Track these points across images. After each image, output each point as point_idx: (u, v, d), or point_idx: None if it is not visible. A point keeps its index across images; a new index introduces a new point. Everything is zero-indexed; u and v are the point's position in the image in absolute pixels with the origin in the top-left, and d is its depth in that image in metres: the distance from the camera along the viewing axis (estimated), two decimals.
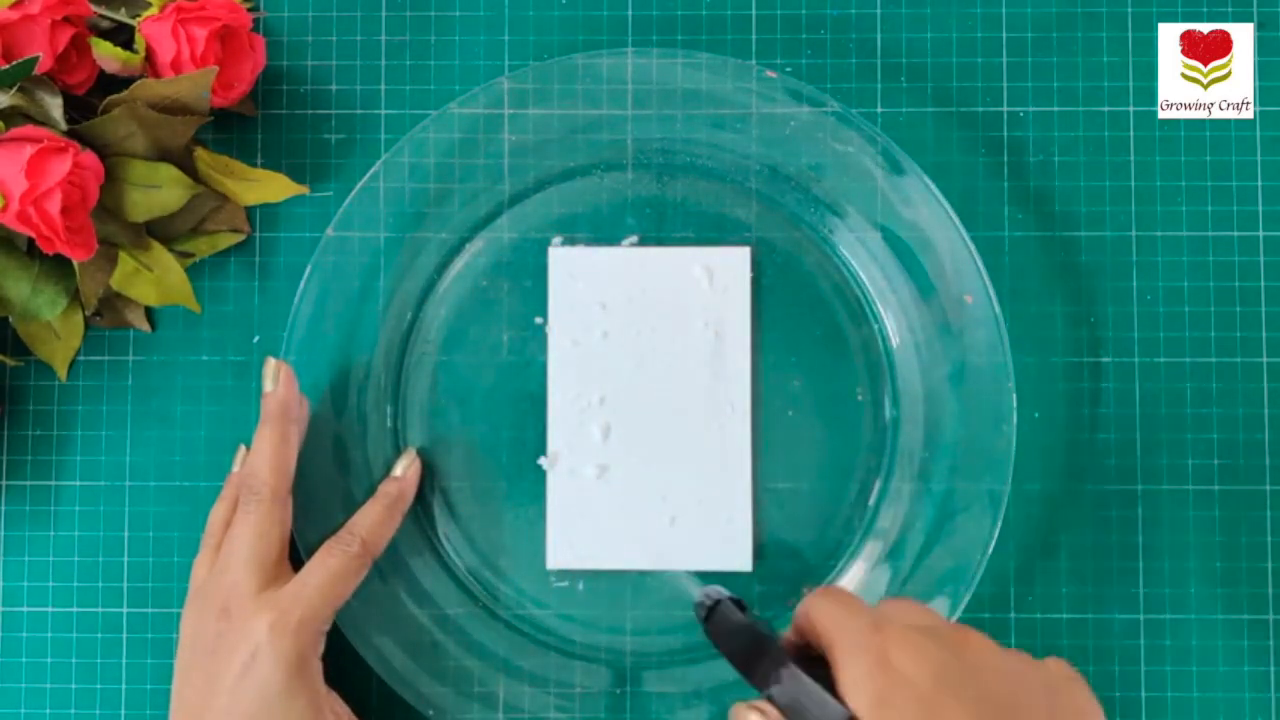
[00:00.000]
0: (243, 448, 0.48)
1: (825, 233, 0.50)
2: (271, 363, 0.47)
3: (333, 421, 0.48)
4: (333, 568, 0.44)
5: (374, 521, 0.46)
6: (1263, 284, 0.50)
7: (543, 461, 0.49)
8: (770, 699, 0.38)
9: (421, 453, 0.50)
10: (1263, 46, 0.51)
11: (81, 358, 0.51)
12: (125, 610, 0.50)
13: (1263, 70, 0.51)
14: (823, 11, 0.51)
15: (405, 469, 0.48)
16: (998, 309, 0.48)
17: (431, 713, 0.48)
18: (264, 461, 0.45)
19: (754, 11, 0.51)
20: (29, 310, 0.47)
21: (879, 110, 0.51)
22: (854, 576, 0.49)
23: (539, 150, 0.50)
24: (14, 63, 0.43)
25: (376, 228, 0.49)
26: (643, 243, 0.50)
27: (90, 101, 0.47)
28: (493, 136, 0.50)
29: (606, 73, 0.50)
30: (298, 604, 0.43)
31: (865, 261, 0.50)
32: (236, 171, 0.50)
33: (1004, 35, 0.51)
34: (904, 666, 0.36)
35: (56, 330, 0.50)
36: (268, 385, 0.46)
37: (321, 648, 0.44)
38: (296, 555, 0.47)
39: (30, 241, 0.45)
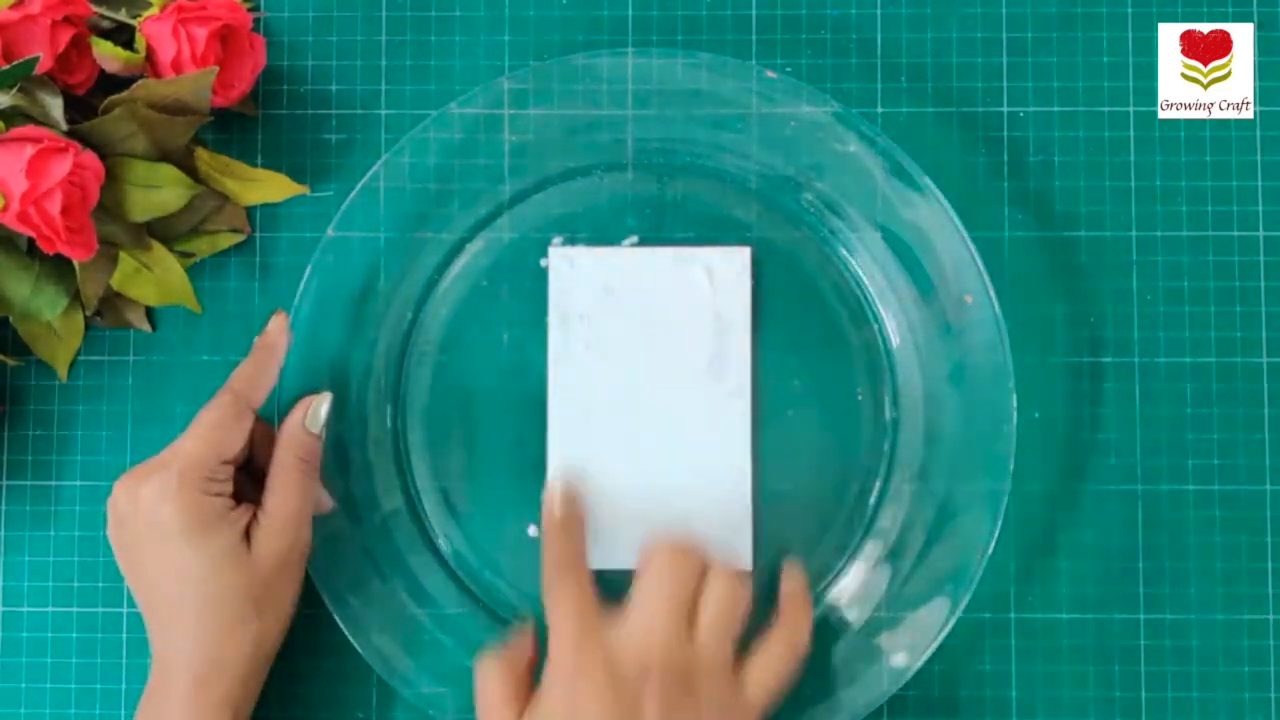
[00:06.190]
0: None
1: (825, 233, 0.50)
2: (279, 315, 0.48)
3: (333, 422, 0.48)
4: (205, 420, 0.45)
5: (243, 373, 0.46)
6: (1263, 284, 0.50)
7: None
8: None
9: (421, 453, 0.50)
10: (1263, 46, 0.51)
11: (82, 358, 0.51)
12: (125, 610, 0.50)
13: (1263, 70, 0.51)
14: (823, 11, 0.51)
15: (273, 326, 0.47)
16: (998, 309, 0.48)
17: (431, 712, 0.48)
18: (243, 373, 0.46)
19: (754, 11, 0.51)
20: (29, 310, 0.47)
21: (879, 110, 0.51)
22: (854, 576, 0.49)
23: (539, 150, 0.50)
24: (14, 63, 0.43)
25: (376, 228, 0.49)
26: (643, 243, 0.50)
27: (90, 101, 0.47)
28: (493, 136, 0.50)
29: (606, 73, 0.50)
30: (176, 458, 0.44)
31: (865, 261, 0.50)
32: (237, 171, 0.50)
33: (1004, 35, 0.51)
34: (577, 716, 0.41)
35: (57, 330, 0.50)
36: (270, 326, 0.47)
37: (221, 490, 0.44)
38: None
39: (30, 241, 0.45)
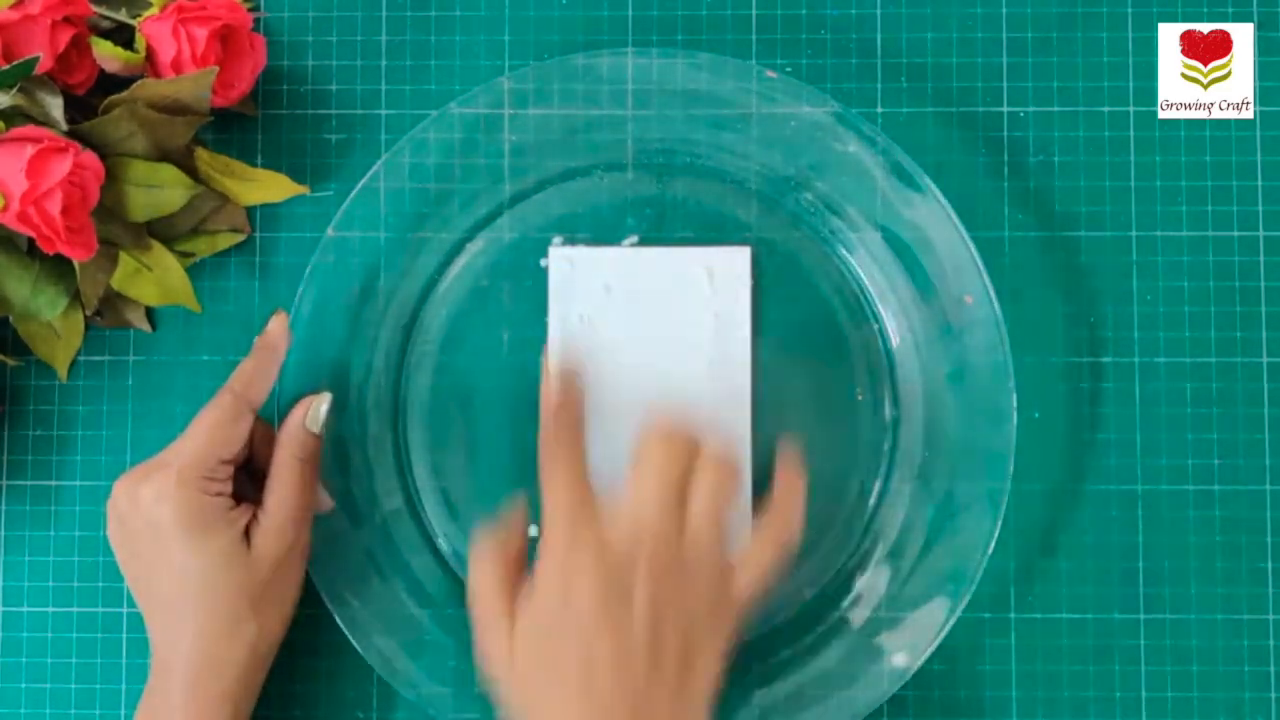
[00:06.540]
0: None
1: (825, 233, 0.50)
2: (280, 315, 0.48)
3: (333, 421, 0.48)
4: (205, 420, 0.45)
5: (242, 373, 0.46)
6: (1263, 284, 0.50)
7: None
8: None
9: (421, 453, 0.50)
10: (1263, 46, 0.51)
11: (82, 358, 0.51)
12: (125, 610, 0.50)
13: (1263, 70, 0.51)
14: (823, 11, 0.51)
15: (273, 327, 0.48)
16: (998, 309, 0.48)
17: (431, 712, 0.48)
18: (243, 373, 0.46)
19: (754, 11, 0.51)
20: (29, 310, 0.47)
21: (879, 110, 0.51)
22: (854, 576, 0.49)
23: (539, 150, 0.50)
24: (14, 63, 0.43)
25: (376, 228, 0.49)
26: (643, 243, 0.50)
27: (90, 101, 0.47)
28: (493, 136, 0.50)
29: (606, 73, 0.50)
30: (176, 458, 0.44)
31: (865, 261, 0.50)
32: (237, 171, 0.50)
33: (1004, 35, 0.51)
34: (568, 601, 0.41)
35: (57, 330, 0.50)
36: (270, 326, 0.48)
37: (220, 490, 0.45)
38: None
39: (31, 241, 0.45)
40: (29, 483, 0.51)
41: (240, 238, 0.51)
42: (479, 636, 0.43)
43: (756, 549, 0.44)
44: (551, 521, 0.43)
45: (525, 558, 0.45)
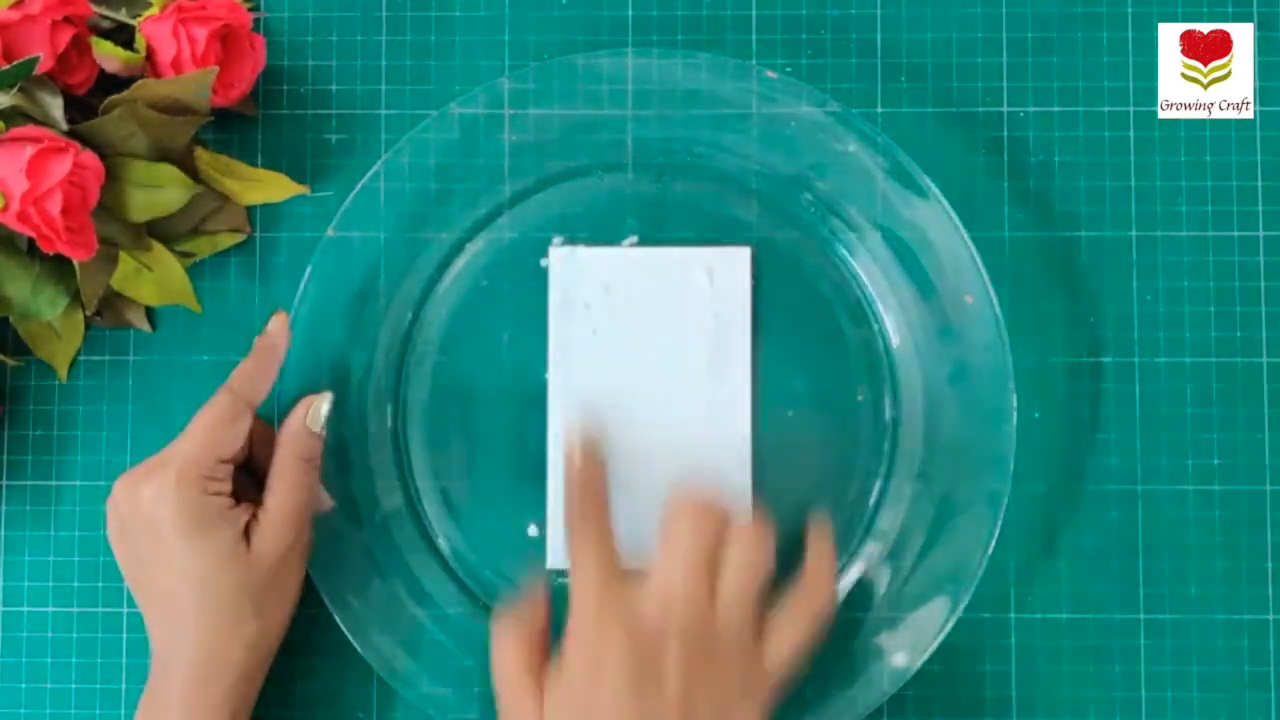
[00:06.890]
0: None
1: (825, 233, 0.50)
2: (280, 315, 0.48)
3: (333, 421, 0.48)
4: (203, 419, 0.45)
5: (242, 373, 0.46)
6: (1263, 284, 0.50)
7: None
8: None
9: (421, 453, 0.50)
10: (1263, 46, 0.51)
11: (82, 358, 0.51)
12: (125, 610, 0.50)
13: (1263, 70, 0.51)
14: (823, 11, 0.51)
15: (273, 326, 0.48)
16: (998, 309, 0.48)
17: (431, 712, 0.48)
18: (242, 372, 0.46)
19: (754, 11, 0.51)
20: (29, 310, 0.47)
21: (879, 110, 0.51)
22: (854, 577, 0.49)
23: (539, 150, 0.50)
24: (14, 63, 0.43)
25: (376, 228, 0.49)
26: (643, 243, 0.50)
27: (90, 101, 0.47)
28: (493, 136, 0.50)
29: (606, 73, 0.50)
30: (176, 458, 0.44)
31: (865, 261, 0.50)
32: (237, 171, 0.50)
33: (1004, 35, 0.51)
34: (599, 679, 0.41)
35: (57, 330, 0.50)
36: (270, 326, 0.47)
37: (220, 489, 0.44)
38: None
39: (31, 241, 0.45)
40: (29, 483, 0.51)
41: (240, 238, 0.51)
42: (505, 718, 0.43)
43: (789, 621, 0.43)
44: (580, 599, 0.43)
45: (549, 636, 0.44)
